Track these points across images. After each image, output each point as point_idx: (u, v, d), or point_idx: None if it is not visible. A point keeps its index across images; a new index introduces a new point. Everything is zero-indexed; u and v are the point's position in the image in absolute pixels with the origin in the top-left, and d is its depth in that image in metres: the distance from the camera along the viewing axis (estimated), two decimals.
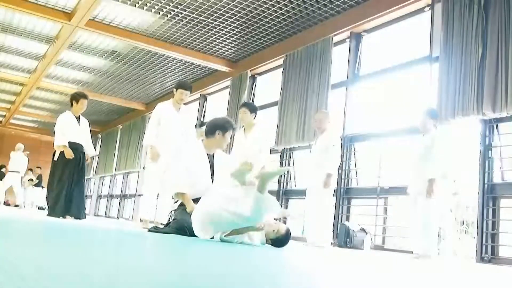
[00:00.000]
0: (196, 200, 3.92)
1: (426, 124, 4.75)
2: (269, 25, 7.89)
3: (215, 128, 4.15)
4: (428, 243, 4.51)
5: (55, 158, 6.28)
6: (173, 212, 4.14)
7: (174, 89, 5.99)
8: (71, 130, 6.34)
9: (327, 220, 5.47)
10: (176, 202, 4.18)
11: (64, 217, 6.03)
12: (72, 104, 6.48)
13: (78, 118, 6.49)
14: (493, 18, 4.99)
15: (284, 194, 7.90)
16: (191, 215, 3.73)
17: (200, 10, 7.63)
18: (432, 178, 4.51)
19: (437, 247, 4.71)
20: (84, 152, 6.43)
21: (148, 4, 7.66)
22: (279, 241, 3.67)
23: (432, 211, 4.55)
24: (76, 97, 6.45)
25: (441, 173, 4.63)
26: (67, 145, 6.23)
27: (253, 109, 5.72)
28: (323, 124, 5.45)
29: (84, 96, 6.48)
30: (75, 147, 6.30)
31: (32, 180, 17.38)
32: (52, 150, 6.43)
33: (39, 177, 17.48)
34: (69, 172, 6.23)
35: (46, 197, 6.44)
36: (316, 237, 5.24)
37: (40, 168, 17.70)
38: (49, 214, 6.12)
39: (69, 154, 6.17)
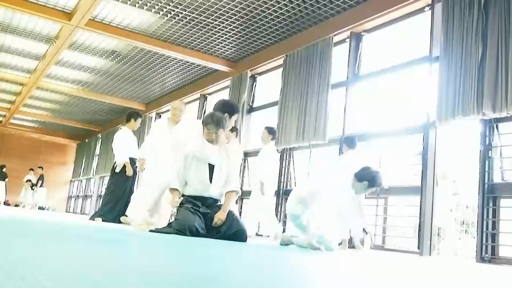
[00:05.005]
0: (194, 197, 3.98)
1: (265, 138, 6.41)
2: (269, 25, 7.88)
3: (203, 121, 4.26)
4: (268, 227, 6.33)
5: (117, 171, 6.84)
6: (174, 212, 4.17)
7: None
8: (132, 145, 7.02)
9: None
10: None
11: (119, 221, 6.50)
12: (127, 121, 7.12)
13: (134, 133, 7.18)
14: (493, 18, 4.99)
15: (284, 194, 7.89)
16: (181, 207, 3.90)
17: (200, 10, 7.63)
18: (261, 180, 6.24)
19: (438, 246, 4.72)
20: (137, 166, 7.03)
21: (148, 4, 7.66)
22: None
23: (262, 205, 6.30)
24: (133, 115, 7.16)
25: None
26: (129, 161, 6.83)
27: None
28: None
29: (139, 115, 7.22)
30: (133, 161, 6.90)
31: (30, 181, 17.30)
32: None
33: (41, 177, 17.34)
34: (130, 184, 6.90)
35: (105, 203, 6.95)
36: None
37: (42, 168, 17.62)
38: (105, 219, 6.59)
39: (130, 172, 6.81)
